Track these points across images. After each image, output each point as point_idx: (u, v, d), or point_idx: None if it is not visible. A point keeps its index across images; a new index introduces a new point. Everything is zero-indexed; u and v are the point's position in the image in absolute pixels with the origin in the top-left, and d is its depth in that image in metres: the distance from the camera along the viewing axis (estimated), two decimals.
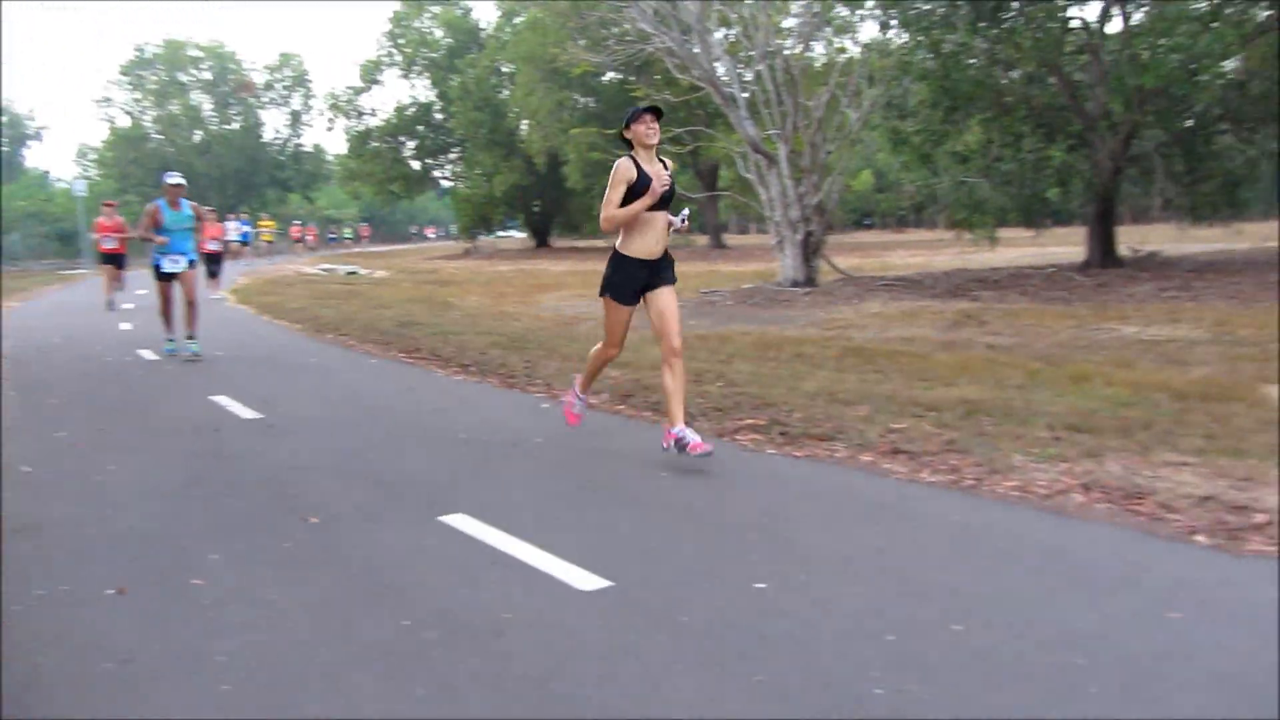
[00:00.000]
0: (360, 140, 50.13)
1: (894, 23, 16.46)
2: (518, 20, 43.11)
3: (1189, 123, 16.42)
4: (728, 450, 5.46)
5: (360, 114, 50.53)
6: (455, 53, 48.40)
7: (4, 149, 63.36)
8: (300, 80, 65.84)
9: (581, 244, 46.72)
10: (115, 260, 17.41)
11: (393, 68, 50.39)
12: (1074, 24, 16.11)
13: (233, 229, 26.64)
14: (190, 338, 10.18)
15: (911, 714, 2.56)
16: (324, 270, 29.05)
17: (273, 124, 67.55)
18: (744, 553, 3.85)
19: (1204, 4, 14.56)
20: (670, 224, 5.21)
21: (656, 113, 5.16)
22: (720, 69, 15.64)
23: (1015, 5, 15.28)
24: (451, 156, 51.49)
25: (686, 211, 5.45)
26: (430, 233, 78.67)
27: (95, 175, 61.42)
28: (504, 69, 44.70)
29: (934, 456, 5.10)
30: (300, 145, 67.32)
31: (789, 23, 17.24)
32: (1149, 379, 6.69)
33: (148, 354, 10.85)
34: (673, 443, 5.10)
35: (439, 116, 50.00)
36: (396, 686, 2.79)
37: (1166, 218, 23.01)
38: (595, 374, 5.82)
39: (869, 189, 52.47)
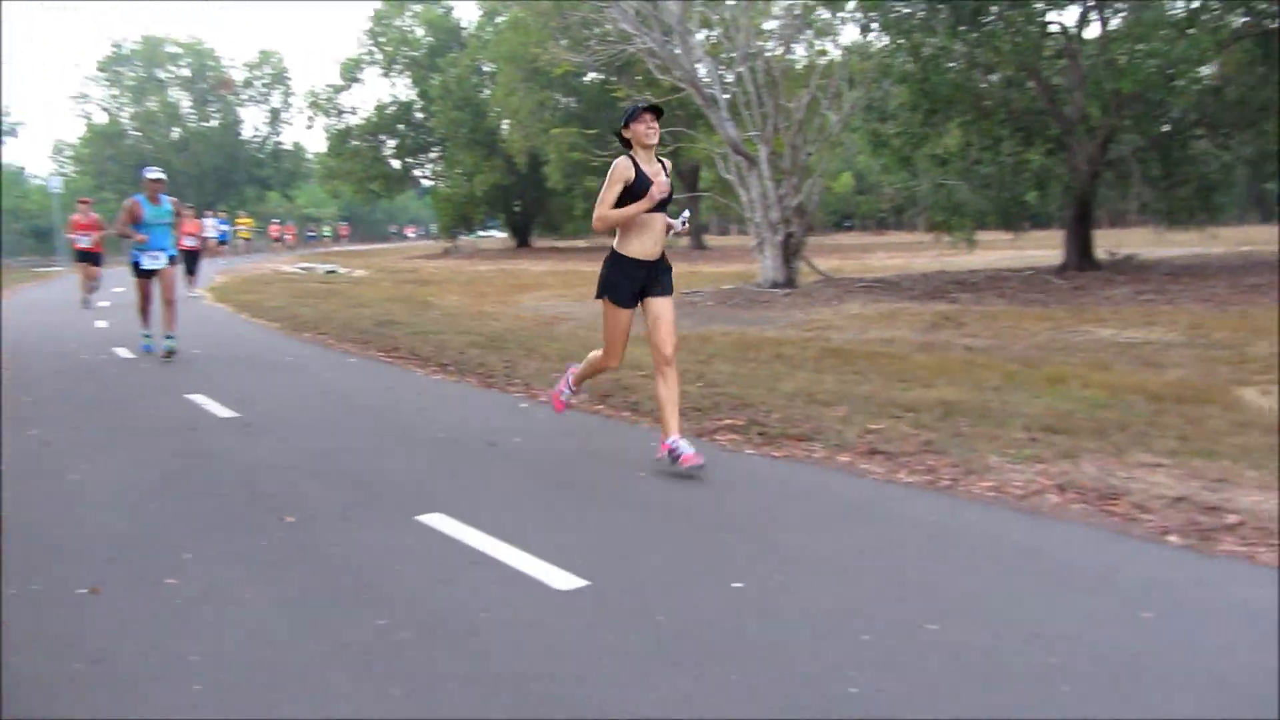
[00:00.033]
0: (340, 139, 49.94)
1: (874, 26, 16.51)
2: (499, 20, 43.03)
3: (1166, 128, 16.58)
4: (707, 450, 5.46)
5: (340, 112, 50.40)
6: (436, 51, 48.26)
7: None
8: (280, 78, 65.60)
9: (562, 244, 46.74)
10: (91, 258, 17.22)
11: (373, 66, 50.27)
12: (1053, 29, 16.21)
13: (210, 227, 26.43)
14: (168, 336, 10.10)
15: (887, 713, 2.57)
16: (303, 269, 28.88)
17: (252, 121, 67.55)
18: (721, 552, 3.86)
19: (1180, 10, 14.70)
20: (670, 226, 5.09)
21: (657, 111, 4.99)
22: (701, 70, 15.65)
23: (995, 9, 15.36)
24: (432, 156, 51.36)
25: (686, 214, 5.33)
26: (410, 232, 78.47)
27: (71, 172, 61.01)
28: (485, 68, 44.62)
29: (911, 457, 5.13)
30: (280, 143, 67.13)
31: (770, 25, 17.26)
32: (1124, 381, 6.75)
33: (124, 352, 10.76)
34: (666, 453, 5.05)
35: (419, 115, 49.83)
36: (373, 686, 2.78)
37: (1143, 221, 23.24)
38: (589, 376, 5.76)
39: (849, 191, 52.63)
